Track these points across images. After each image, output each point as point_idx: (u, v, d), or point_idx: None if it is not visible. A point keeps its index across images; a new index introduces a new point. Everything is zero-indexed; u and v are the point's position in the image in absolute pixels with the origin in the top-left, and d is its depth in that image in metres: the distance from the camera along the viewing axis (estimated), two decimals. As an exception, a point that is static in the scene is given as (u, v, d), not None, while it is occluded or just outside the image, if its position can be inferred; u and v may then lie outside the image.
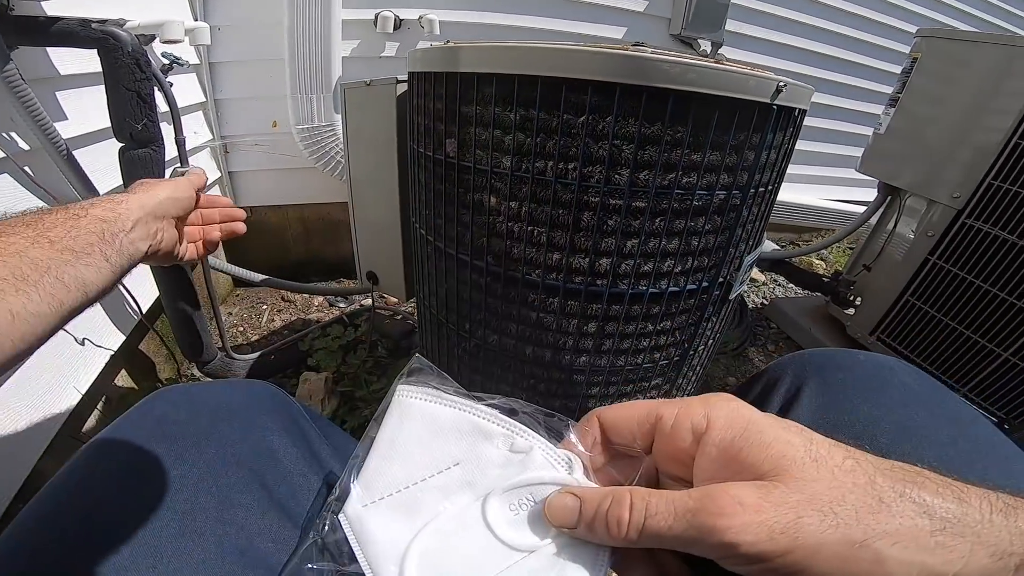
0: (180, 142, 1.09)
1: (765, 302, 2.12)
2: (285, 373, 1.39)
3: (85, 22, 0.86)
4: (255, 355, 1.35)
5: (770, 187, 0.73)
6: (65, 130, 0.96)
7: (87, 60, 1.00)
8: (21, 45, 0.85)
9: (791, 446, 0.27)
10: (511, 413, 0.34)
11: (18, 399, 0.86)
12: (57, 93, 1.00)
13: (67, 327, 0.90)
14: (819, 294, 1.89)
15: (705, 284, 0.72)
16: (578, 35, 1.92)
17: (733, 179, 0.64)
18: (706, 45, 2.10)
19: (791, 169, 0.80)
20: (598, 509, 0.28)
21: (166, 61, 1.20)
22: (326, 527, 0.32)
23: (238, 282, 1.82)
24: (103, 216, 0.43)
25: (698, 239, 0.66)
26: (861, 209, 1.75)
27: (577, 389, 0.78)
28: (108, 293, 0.43)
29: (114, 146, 0.96)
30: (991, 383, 1.36)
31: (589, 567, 0.29)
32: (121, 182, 0.99)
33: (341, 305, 1.81)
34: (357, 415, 1.24)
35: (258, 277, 1.43)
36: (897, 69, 1.54)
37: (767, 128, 0.63)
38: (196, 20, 1.50)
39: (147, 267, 1.08)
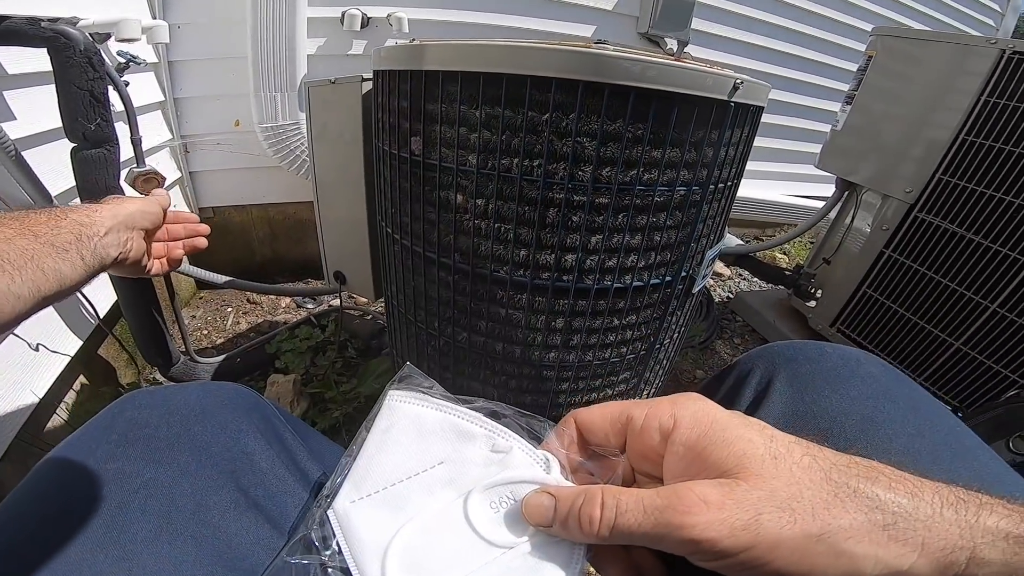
0: (136, 142, 1.06)
1: (731, 296, 2.17)
2: (252, 376, 1.36)
3: (34, 20, 0.83)
4: (220, 358, 1.32)
5: (730, 183, 0.75)
6: (13, 131, 0.92)
7: (38, 58, 0.96)
8: (-36, 44, 0.81)
9: (752, 444, 0.28)
10: (494, 416, 0.36)
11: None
12: (5, 93, 0.96)
13: (19, 332, 0.87)
14: (782, 287, 1.95)
15: (668, 278, 0.73)
16: (547, 33, 1.93)
17: (693, 175, 0.66)
18: (673, 43, 2.14)
19: (754, 165, 0.82)
20: (571, 507, 0.29)
21: (122, 60, 1.16)
22: (315, 522, 0.33)
23: (201, 284, 1.77)
24: (80, 220, 0.47)
25: (660, 234, 0.68)
26: (821, 204, 1.80)
27: (547, 385, 0.79)
28: (78, 290, 0.47)
29: (66, 146, 0.92)
30: (944, 372, 1.42)
31: (564, 564, 0.30)
32: (74, 183, 0.95)
33: (309, 306, 1.78)
34: (327, 416, 1.22)
35: (222, 279, 1.40)
36: (854, 67, 1.60)
37: (725, 125, 0.65)
38: (155, 18, 1.46)
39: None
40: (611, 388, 0.86)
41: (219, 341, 1.55)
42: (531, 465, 0.33)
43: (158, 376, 1.28)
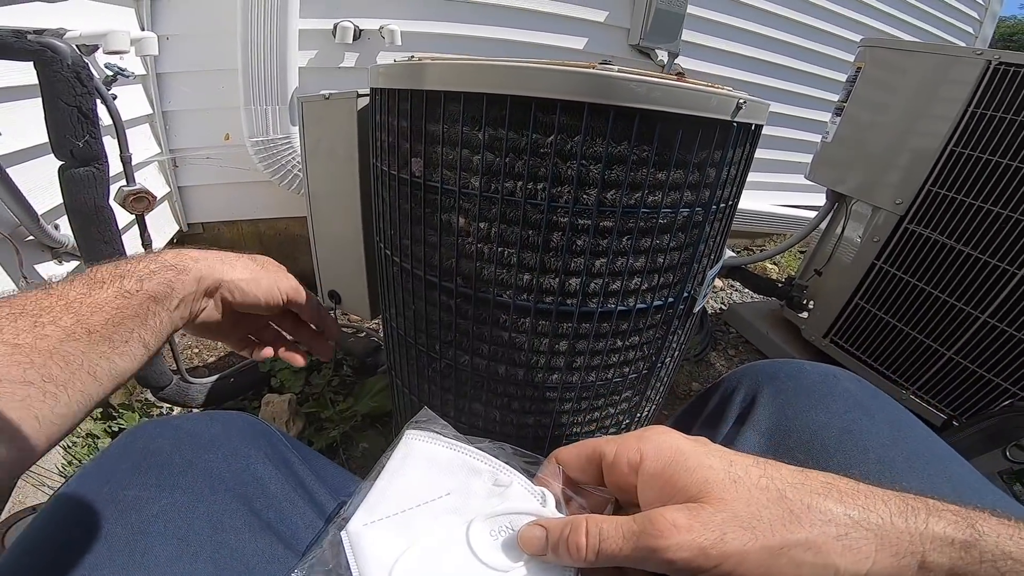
0: (126, 159, 1.04)
1: (724, 307, 2.18)
2: (246, 395, 1.34)
3: (19, 33, 0.80)
4: (213, 378, 1.29)
5: (731, 202, 0.75)
6: (-2, 147, 0.90)
7: (22, 71, 0.94)
8: (-54, 57, 0.79)
9: (712, 470, 0.30)
10: (499, 455, 0.39)
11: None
12: (-11, 107, 0.93)
13: None
14: (774, 298, 1.96)
15: (671, 300, 0.73)
16: (540, 45, 1.93)
17: (696, 196, 0.66)
18: (663, 55, 2.16)
19: (744, 177, 0.82)
20: (560, 536, 0.32)
21: (109, 73, 1.14)
22: (329, 542, 0.36)
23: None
24: (155, 294, 0.39)
25: (663, 256, 0.67)
26: (810, 214, 1.82)
27: (550, 405, 0.78)
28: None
29: (52, 162, 0.90)
30: (937, 382, 1.44)
31: None
32: (62, 200, 0.93)
33: (302, 322, 1.75)
34: (324, 436, 1.20)
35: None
36: (842, 76, 1.62)
37: (728, 144, 0.65)
38: (143, 30, 1.44)
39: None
40: (613, 407, 0.85)
41: (210, 360, 1.52)
42: (529, 498, 0.36)
43: (149, 397, 1.25)
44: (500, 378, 0.74)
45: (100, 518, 0.35)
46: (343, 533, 0.36)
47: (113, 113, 1.00)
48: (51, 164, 0.91)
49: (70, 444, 1.07)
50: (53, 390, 0.31)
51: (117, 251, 0.97)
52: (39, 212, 0.97)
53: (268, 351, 0.61)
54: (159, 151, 1.57)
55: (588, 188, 0.59)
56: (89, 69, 0.87)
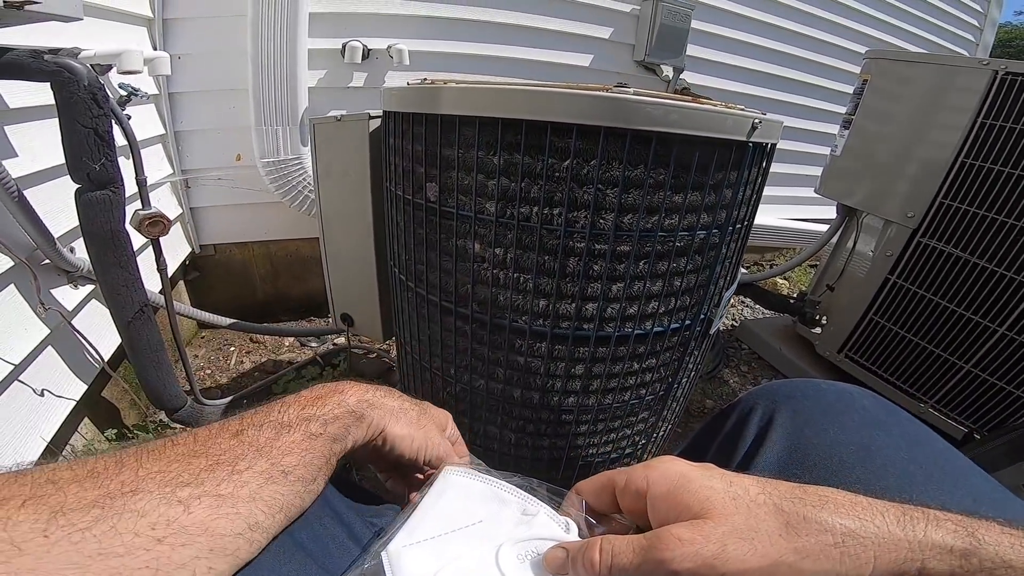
0: (141, 182, 1.04)
1: (735, 324, 2.15)
2: (257, 415, 1.33)
3: (36, 53, 0.80)
4: (226, 400, 1.29)
5: (746, 222, 0.74)
6: (15, 168, 0.90)
7: (38, 91, 0.94)
8: (-36, 79, 0.79)
9: (713, 490, 0.33)
10: (527, 488, 0.43)
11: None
12: (6, 128, 0.94)
13: (24, 378, 0.82)
14: (787, 314, 1.94)
15: (688, 322, 0.72)
16: (546, 63, 1.94)
17: (712, 218, 0.65)
18: (668, 70, 2.16)
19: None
20: (577, 555, 0.35)
21: (123, 92, 1.15)
22: (370, 562, 0.38)
23: (203, 324, 1.75)
24: (336, 435, 0.41)
25: (680, 279, 0.67)
26: (818, 227, 1.80)
27: (566, 428, 0.77)
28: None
29: (68, 184, 0.90)
30: (956, 395, 1.41)
31: None
32: (77, 224, 0.93)
33: (313, 344, 1.75)
34: (335, 457, 1.19)
35: (226, 321, 1.37)
36: (847, 87, 1.61)
37: (744, 164, 0.65)
38: (155, 49, 1.46)
39: (106, 311, 1.03)
40: (630, 428, 0.84)
41: (223, 381, 1.52)
42: (554, 526, 0.40)
43: (163, 418, 1.25)
44: (516, 401, 0.73)
45: None
46: (383, 553, 0.38)
47: (129, 135, 1.00)
48: (66, 186, 0.91)
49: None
50: (258, 537, 0.34)
51: (132, 276, 0.97)
52: (55, 235, 0.98)
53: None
54: (171, 171, 1.58)
55: (605, 213, 0.59)
56: (105, 90, 0.87)
